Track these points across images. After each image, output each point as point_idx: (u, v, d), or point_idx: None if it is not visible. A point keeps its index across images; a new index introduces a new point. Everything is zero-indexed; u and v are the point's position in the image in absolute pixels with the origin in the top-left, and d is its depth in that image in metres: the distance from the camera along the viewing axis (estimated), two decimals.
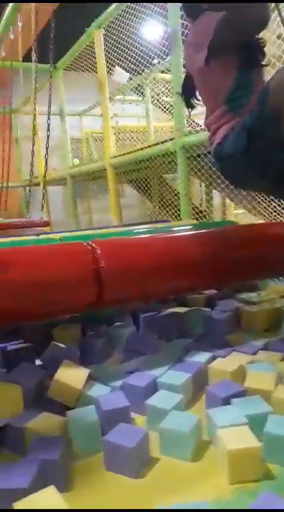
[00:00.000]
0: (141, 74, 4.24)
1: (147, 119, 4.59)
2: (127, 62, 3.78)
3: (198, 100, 1.44)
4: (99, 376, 1.08)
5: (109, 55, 3.57)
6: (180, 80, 1.93)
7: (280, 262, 1.49)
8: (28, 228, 3.25)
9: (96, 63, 3.54)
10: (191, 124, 3.14)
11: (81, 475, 0.77)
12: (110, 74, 3.73)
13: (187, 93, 1.44)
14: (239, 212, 4.21)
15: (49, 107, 2.98)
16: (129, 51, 3.53)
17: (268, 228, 1.68)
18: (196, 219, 3.02)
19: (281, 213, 2.71)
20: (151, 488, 0.72)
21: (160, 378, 1.01)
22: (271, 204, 2.72)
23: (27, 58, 4.28)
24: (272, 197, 2.44)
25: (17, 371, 1.04)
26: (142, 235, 1.57)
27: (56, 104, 4.22)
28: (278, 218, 2.73)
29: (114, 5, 3.14)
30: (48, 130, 2.91)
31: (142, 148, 2.99)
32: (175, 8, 2.41)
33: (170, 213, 3.64)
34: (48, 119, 2.87)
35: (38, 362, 1.22)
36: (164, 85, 4.50)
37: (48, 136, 2.91)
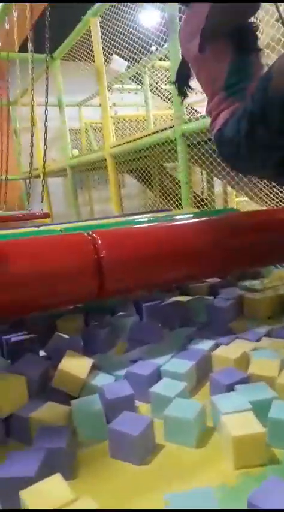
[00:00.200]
0: (139, 61, 4.18)
1: (146, 107, 4.54)
2: (125, 50, 3.72)
3: (191, 88, 1.42)
4: (103, 365, 1.08)
5: (106, 43, 3.52)
6: None
7: (281, 248, 1.48)
8: (28, 221, 3.24)
9: (93, 52, 3.49)
10: (191, 111, 3.10)
11: (86, 463, 0.77)
12: (108, 62, 3.69)
13: (180, 81, 1.42)
14: (241, 200, 4.19)
15: (46, 97, 2.95)
16: (126, 39, 3.48)
17: (270, 214, 1.67)
18: (198, 207, 3.01)
19: (283, 199, 2.69)
20: (156, 475, 0.72)
21: (163, 366, 1.01)
22: (273, 191, 2.70)
23: (23, 49, 4.23)
24: (274, 184, 2.42)
25: (21, 362, 1.05)
26: (143, 225, 1.56)
27: (54, 94, 4.18)
28: (280, 204, 2.72)
29: None
30: (46, 121, 2.88)
31: (141, 137, 2.96)
32: None
33: (171, 202, 3.62)
34: (46, 109, 2.84)
35: (42, 353, 1.22)
36: (163, 73, 4.45)
37: (46, 127, 2.88)
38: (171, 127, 2.59)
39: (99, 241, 1.16)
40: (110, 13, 3.37)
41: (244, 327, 1.28)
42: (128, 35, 3.46)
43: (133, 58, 4.12)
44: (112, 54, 3.74)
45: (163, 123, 4.09)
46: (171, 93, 3.05)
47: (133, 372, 1.00)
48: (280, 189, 2.66)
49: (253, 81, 1.14)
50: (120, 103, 4.69)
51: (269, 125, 1.03)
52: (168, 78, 4.30)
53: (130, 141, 3.09)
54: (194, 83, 1.38)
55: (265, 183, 2.72)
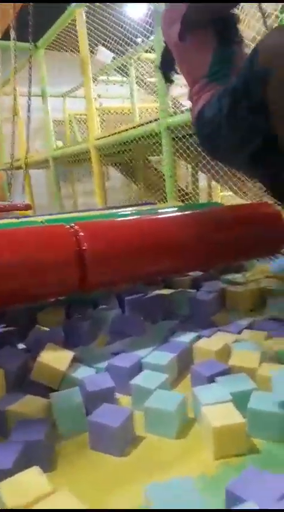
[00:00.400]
0: (124, 53, 4.14)
1: (132, 99, 4.50)
2: (111, 41, 3.68)
3: (177, 73, 1.41)
4: (84, 358, 1.07)
5: (92, 33, 3.47)
6: None
7: (264, 242, 1.50)
8: (9, 212, 3.18)
9: (78, 42, 3.43)
10: (176, 105, 3.09)
11: (66, 455, 0.76)
12: (93, 53, 3.64)
13: (166, 67, 1.41)
14: (225, 194, 4.21)
15: (29, 87, 2.89)
16: (112, 30, 3.43)
17: (254, 208, 1.68)
18: (182, 201, 3.00)
19: (267, 193, 2.71)
20: (136, 466, 0.72)
21: (145, 359, 1.01)
22: (256, 185, 2.72)
23: (6, 37, 4.13)
24: (246, 176, 2.39)
25: None
26: (127, 217, 1.54)
27: (38, 84, 4.10)
28: (263, 199, 2.74)
29: None
30: (29, 111, 2.83)
31: (126, 130, 2.94)
32: None
33: (156, 195, 3.61)
34: (29, 99, 2.79)
35: (22, 346, 1.21)
36: (149, 65, 4.42)
37: (28, 117, 2.83)
38: (156, 120, 2.57)
39: (81, 233, 1.15)
40: (96, 3, 3.32)
41: (226, 319, 1.29)
42: (114, 26, 3.42)
43: (119, 50, 4.07)
44: (97, 45, 3.69)
45: (148, 116, 4.07)
46: (156, 86, 3.03)
47: (114, 365, 0.99)
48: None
49: (236, 70, 1.14)
50: (105, 95, 4.64)
51: (252, 100, 1.02)
52: (153, 70, 4.28)
53: (115, 133, 3.06)
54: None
55: (248, 177, 2.74)
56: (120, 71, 4.62)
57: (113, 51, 3.92)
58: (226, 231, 1.43)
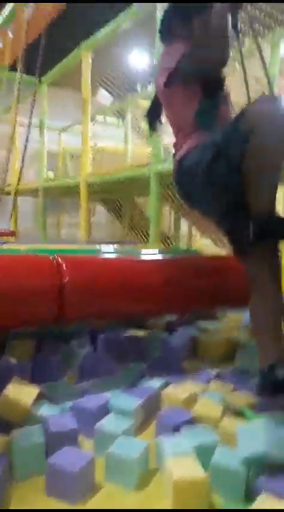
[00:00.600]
0: (123, 98, 4.34)
1: (125, 142, 4.67)
2: (112, 85, 3.86)
3: (161, 123, 1.47)
4: (51, 395, 1.05)
5: (94, 75, 3.62)
6: None
7: (239, 293, 1.53)
8: None
9: (80, 82, 3.58)
10: (166, 152, 3.22)
11: (19, 498, 0.73)
12: (93, 94, 3.79)
13: (152, 115, 1.47)
14: (205, 242, 4.31)
15: (30, 118, 2.98)
16: (115, 75, 3.61)
17: (230, 260, 1.73)
18: (163, 244, 3.06)
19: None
20: None
21: (112, 401, 1.00)
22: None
23: (12, 68, 4.29)
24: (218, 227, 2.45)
25: None
26: (110, 255, 1.57)
27: (37, 116, 4.22)
28: None
29: (105, 30, 3.22)
30: (27, 141, 2.90)
31: (118, 171, 3.03)
32: None
33: (139, 235, 3.67)
34: (28, 130, 2.87)
35: None
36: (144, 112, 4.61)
37: (25, 146, 2.90)
38: (147, 164, 2.67)
39: (64, 266, 1.16)
40: (103, 48, 3.50)
41: (196, 366, 1.30)
42: (117, 71, 3.60)
43: (118, 94, 4.27)
44: (99, 87, 3.86)
45: (140, 159, 4.21)
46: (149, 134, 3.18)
47: (80, 405, 0.98)
48: None
49: (220, 122, 1.21)
50: (100, 134, 4.79)
51: (231, 162, 1.07)
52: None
53: (106, 173, 3.15)
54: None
55: None
56: (117, 114, 4.82)
57: (112, 94, 4.11)
58: (203, 279, 1.47)
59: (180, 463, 0.74)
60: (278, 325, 1.10)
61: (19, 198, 4.90)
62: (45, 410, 0.95)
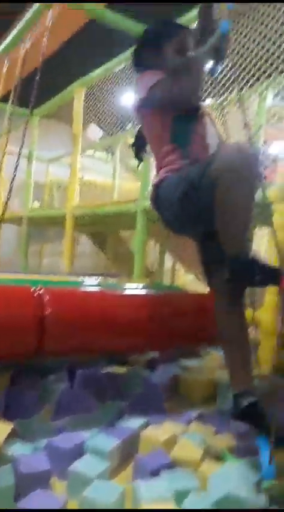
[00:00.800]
0: (112, 135, 4.45)
1: (113, 177, 4.76)
2: (103, 121, 3.97)
3: (146, 153, 1.49)
4: (24, 432, 1.00)
5: (86, 110, 3.72)
6: None
7: None
8: None
9: (72, 116, 3.66)
10: None
11: None
12: (84, 129, 3.88)
13: (138, 146, 1.50)
14: (188, 278, 4.34)
15: (20, 149, 3.02)
16: (106, 111, 3.72)
17: (210, 297, 1.74)
18: (146, 278, 3.07)
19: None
20: None
21: (88, 441, 0.96)
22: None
23: (3, 99, 4.37)
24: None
25: None
26: (93, 289, 1.55)
27: (26, 147, 4.28)
28: None
29: (100, 69, 3.35)
30: (15, 170, 2.93)
31: (104, 205, 3.07)
32: None
33: (122, 268, 3.67)
34: (17, 161, 2.90)
35: None
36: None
37: (14, 175, 2.92)
38: (134, 200, 2.71)
39: (46, 298, 1.14)
40: (97, 86, 3.62)
41: (177, 406, 1.27)
42: (108, 108, 3.72)
43: (109, 130, 4.39)
44: (90, 122, 3.96)
45: (127, 194, 4.29)
46: (138, 168, 3.26)
47: (54, 444, 0.93)
48: None
49: (195, 144, 1.23)
50: (88, 167, 4.87)
51: (203, 195, 1.10)
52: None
53: (93, 206, 3.18)
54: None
55: None
56: (107, 149, 4.93)
57: (103, 129, 4.22)
58: (186, 316, 1.47)
59: (156, 509, 0.71)
60: (247, 357, 1.17)
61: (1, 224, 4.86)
62: (17, 449, 0.91)
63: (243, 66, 2.32)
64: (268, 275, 1.06)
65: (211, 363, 1.69)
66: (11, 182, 2.69)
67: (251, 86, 2.42)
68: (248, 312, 1.76)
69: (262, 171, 1.09)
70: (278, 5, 2.08)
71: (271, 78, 2.31)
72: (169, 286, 2.43)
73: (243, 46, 2.30)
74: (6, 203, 2.65)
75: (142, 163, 1.59)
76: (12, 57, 4.03)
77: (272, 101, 2.99)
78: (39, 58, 3.47)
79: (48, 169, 6.11)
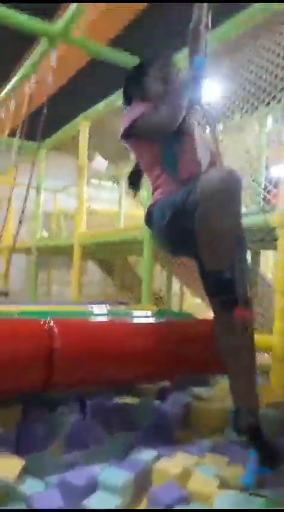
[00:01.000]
0: (118, 164, 4.55)
1: (119, 205, 4.84)
2: (108, 152, 4.07)
3: (141, 183, 1.54)
4: (35, 468, 0.99)
5: (92, 142, 3.82)
6: None
7: None
8: None
9: (77, 147, 3.76)
10: None
11: None
12: (90, 159, 3.98)
13: (133, 177, 1.54)
14: (195, 301, 4.32)
15: (29, 181, 3.12)
16: (111, 143, 3.82)
17: None
18: (155, 304, 3.07)
19: None
20: None
21: (100, 476, 0.95)
22: None
23: (11, 134, 4.51)
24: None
25: None
26: (102, 319, 1.56)
27: (34, 179, 4.39)
28: None
29: (104, 102, 3.47)
30: (25, 202, 3.04)
31: (111, 233, 3.11)
32: None
33: (130, 294, 3.68)
34: (27, 194, 3.00)
35: None
36: None
37: (23, 210, 3.03)
38: (140, 227, 2.75)
39: (56, 331, 1.15)
40: (101, 118, 3.73)
41: (189, 437, 1.25)
42: (113, 140, 3.81)
43: (114, 160, 4.50)
44: (95, 153, 4.05)
45: (133, 221, 4.34)
46: (135, 196, 3.31)
47: (67, 480, 0.93)
48: None
49: (186, 164, 1.26)
50: (94, 197, 4.96)
51: (188, 221, 1.13)
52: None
53: (100, 235, 3.23)
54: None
55: None
56: (112, 179, 5.03)
57: (108, 160, 4.31)
58: (195, 344, 1.46)
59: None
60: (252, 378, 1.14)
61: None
62: (29, 486, 0.90)
63: (242, 95, 2.40)
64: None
65: (220, 392, 1.67)
66: (21, 213, 2.76)
67: (251, 112, 2.49)
68: (259, 337, 1.76)
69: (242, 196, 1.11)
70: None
71: (270, 106, 2.37)
72: (177, 313, 2.43)
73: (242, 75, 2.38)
74: (17, 233, 2.71)
75: (139, 191, 1.63)
76: (19, 94, 4.19)
77: (272, 125, 3.08)
78: (44, 94, 3.61)
79: (56, 199, 6.24)
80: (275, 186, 2.24)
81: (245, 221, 1.87)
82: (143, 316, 1.80)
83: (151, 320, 1.59)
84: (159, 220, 1.26)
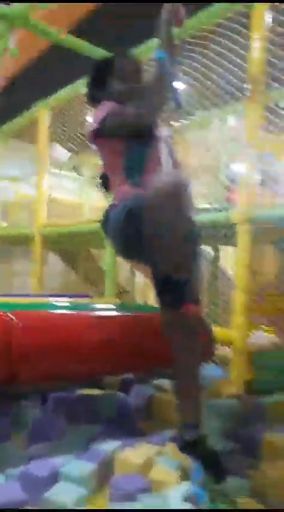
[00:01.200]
0: (80, 154, 4.47)
1: (81, 195, 4.78)
2: (71, 140, 3.99)
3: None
4: None
5: (52, 131, 3.71)
6: None
7: None
8: None
9: (36, 136, 3.65)
10: None
11: None
12: (50, 149, 3.88)
13: (104, 178, 1.51)
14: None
15: None
16: (72, 132, 3.74)
17: None
18: (117, 297, 3.07)
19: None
20: None
21: (63, 468, 0.95)
22: None
23: None
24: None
25: None
26: (65, 311, 1.54)
27: None
28: None
29: (65, 90, 3.38)
30: None
31: (74, 224, 3.07)
32: None
33: (94, 287, 3.66)
34: None
35: None
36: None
37: None
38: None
39: (16, 324, 1.13)
40: (62, 106, 3.63)
41: (152, 428, 1.28)
42: (74, 129, 3.74)
43: (76, 150, 4.42)
44: (54, 143, 3.95)
45: (96, 213, 4.30)
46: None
47: (29, 472, 0.92)
48: None
49: (149, 170, 1.26)
50: (55, 185, 4.86)
51: (139, 226, 1.15)
52: None
53: (62, 225, 3.18)
54: None
55: None
56: (74, 169, 4.95)
57: (71, 149, 4.23)
58: (159, 336, 1.48)
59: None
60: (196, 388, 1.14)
61: None
62: None
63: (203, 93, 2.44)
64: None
65: None
66: None
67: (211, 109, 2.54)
68: (220, 331, 1.81)
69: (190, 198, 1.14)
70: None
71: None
72: (141, 306, 2.45)
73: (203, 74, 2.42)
74: None
75: (109, 192, 1.62)
76: None
77: (232, 123, 3.15)
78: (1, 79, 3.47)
79: (14, 188, 6.04)
80: (233, 182, 2.31)
81: (207, 218, 1.94)
82: (106, 309, 1.80)
83: (114, 313, 1.60)
84: (113, 226, 1.27)
